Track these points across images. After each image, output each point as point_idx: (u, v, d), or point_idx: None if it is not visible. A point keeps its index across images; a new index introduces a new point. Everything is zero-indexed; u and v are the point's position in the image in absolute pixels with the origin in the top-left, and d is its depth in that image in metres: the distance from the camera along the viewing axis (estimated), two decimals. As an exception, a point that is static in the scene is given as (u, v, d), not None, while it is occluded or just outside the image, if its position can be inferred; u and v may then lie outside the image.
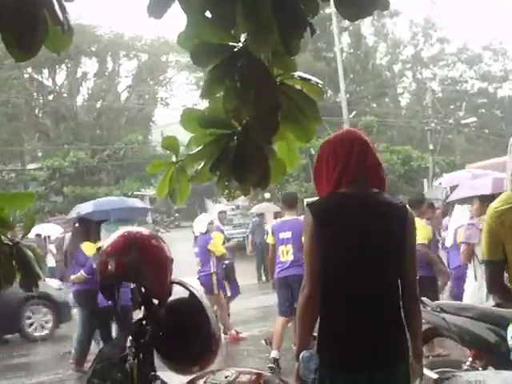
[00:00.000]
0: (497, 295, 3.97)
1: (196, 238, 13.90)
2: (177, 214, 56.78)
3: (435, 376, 4.97)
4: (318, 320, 3.70)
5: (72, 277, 11.18)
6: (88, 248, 10.91)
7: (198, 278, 13.09)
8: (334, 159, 3.75)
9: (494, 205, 3.75)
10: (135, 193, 42.02)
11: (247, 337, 13.08)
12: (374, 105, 53.98)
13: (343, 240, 3.62)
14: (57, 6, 2.45)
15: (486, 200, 8.30)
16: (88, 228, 11.37)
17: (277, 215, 23.42)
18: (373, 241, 3.64)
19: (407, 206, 3.88)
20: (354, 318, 3.59)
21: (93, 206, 14.03)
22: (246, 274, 18.79)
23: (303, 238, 3.82)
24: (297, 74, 3.08)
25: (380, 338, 3.60)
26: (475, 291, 8.13)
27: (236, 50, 2.86)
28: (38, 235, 24.67)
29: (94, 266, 9.86)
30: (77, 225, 11.66)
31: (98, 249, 9.98)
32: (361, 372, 3.54)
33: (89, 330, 11.05)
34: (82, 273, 10.76)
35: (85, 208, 13.91)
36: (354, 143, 3.79)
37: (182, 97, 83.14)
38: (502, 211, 3.67)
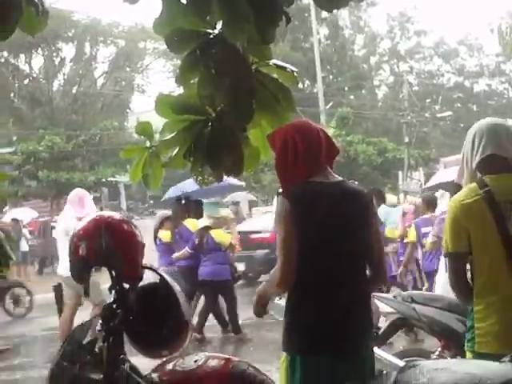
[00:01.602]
0: (460, 294, 3.94)
1: None
2: (151, 201, 56.67)
3: (402, 364, 5.01)
4: (289, 305, 3.72)
5: (175, 254, 11.69)
6: (192, 224, 11.52)
7: None
8: (306, 148, 3.70)
9: (459, 198, 3.75)
10: (109, 179, 41.81)
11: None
12: (351, 96, 54.10)
13: (320, 227, 3.61)
14: (32, -12, 2.46)
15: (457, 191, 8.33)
16: (190, 206, 12.12)
17: (251, 204, 23.50)
18: (345, 228, 3.67)
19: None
20: (328, 303, 3.60)
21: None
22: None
23: (278, 226, 3.76)
24: (272, 61, 3.09)
25: (352, 324, 3.63)
26: (446, 283, 8.17)
27: (211, 36, 2.86)
28: (15, 220, 24.47)
29: (196, 242, 10.96)
30: (182, 202, 12.34)
31: (205, 228, 11.06)
32: (331, 357, 3.56)
33: (195, 302, 11.43)
34: (186, 249, 11.24)
35: (188, 186, 14.48)
36: (321, 133, 3.80)
37: (158, 84, 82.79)
38: (468, 204, 3.68)
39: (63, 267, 9.43)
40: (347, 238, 3.68)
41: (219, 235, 11.20)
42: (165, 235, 12.24)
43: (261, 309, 3.90)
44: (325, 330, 3.58)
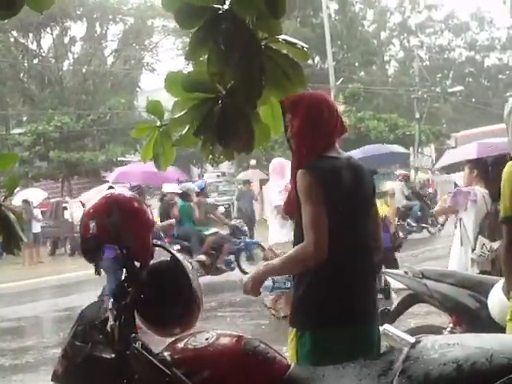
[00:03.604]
0: (509, 263, 3.87)
1: None
2: (162, 181, 56.58)
3: (413, 340, 5.02)
4: (300, 282, 3.70)
5: None
6: None
7: None
8: (329, 117, 3.70)
9: None
10: (119, 158, 41.81)
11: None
12: (362, 72, 53.91)
13: (345, 203, 3.60)
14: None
15: (474, 167, 8.18)
16: None
17: (262, 182, 23.54)
18: (364, 203, 3.70)
19: None
20: (343, 280, 3.61)
21: (361, 152, 17.27)
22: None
23: (304, 202, 3.62)
24: (282, 37, 3.05)
25: (369, 297, 3.70)
26: (461, 257, 8.06)
27: (220, 12, 2.83)
28: (26, 201, 24.56)
29: None
30: None
31: None
32: (342, 332, 3.56)
33: None
34: None
35: (354, 154, 15.66)
36: (336, 107, 3.79)
37: (168, 62, 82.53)
38: None
39: (270, 236, 10.52)
40: (366, 213, 3.74)
41: None
42: None
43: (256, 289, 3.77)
44: (338, 306, 3.59)
